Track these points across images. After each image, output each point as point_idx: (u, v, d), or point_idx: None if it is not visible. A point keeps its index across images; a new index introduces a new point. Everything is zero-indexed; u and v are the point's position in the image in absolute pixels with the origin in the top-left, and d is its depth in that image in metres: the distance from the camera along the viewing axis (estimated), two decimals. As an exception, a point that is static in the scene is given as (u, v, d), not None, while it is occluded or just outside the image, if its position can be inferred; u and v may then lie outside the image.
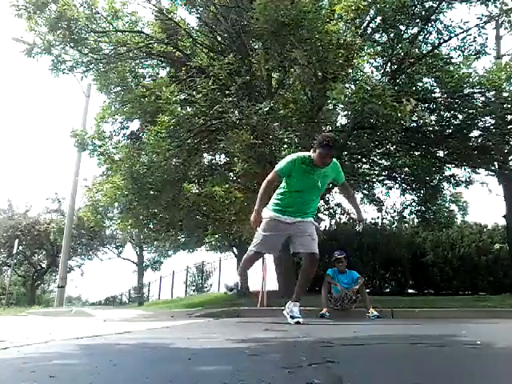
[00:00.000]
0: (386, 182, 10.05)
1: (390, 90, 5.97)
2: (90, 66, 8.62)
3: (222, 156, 10.23)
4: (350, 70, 7.63)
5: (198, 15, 9.13)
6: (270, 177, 3.80)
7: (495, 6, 7.07)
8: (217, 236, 12.82)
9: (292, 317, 3.65)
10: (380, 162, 9.64)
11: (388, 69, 7.86)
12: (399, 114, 6.05)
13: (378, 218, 11.73)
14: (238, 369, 1.30)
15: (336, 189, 10.27)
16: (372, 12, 7.26)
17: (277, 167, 3.76)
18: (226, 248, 15.55)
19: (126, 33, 8.64)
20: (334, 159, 3.83)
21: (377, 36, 8.10)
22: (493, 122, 7.42)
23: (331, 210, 11.20)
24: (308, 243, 3.69)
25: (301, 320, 3.61)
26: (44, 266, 28.14)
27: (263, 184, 3.81)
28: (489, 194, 9.12)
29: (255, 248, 3.82)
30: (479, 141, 7.78)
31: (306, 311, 5.51)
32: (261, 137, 6.79)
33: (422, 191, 9.36)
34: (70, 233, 13.81)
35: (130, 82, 9.01)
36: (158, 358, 1.64)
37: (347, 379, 1.13)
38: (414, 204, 9.70)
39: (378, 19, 7.58)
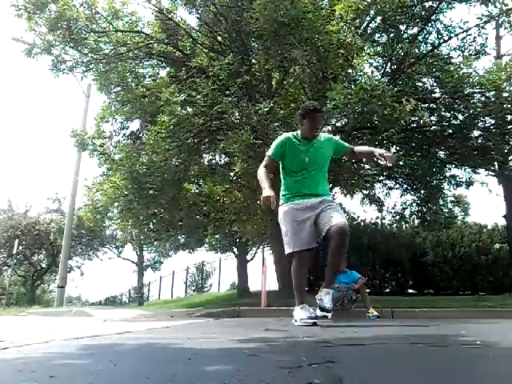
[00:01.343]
0: (386, 182, 10.06)
1: (389, 90, 5.97)
2: (90, 66, 8.62)
3: (222, 156, 10.23)
4: (350, 70, 7.63)
5: (198, 15, 9.13)
6: (263, 162, 3.57)
7: (495, 6, 7.07)
8: (217, 236, 12.84)
9: (321, 308, 3.18)
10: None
11: (388, 69, 7.87)
12: (399, 115, 6.05)
13: (378, 218, 11.75)
14: (238, 369, 1.30)
15: (336, 189, 10.29)
16: (372, 12, 7.26)
17: (268, 152, 3.56)
18: (226, 248, 15.56)
19: (126, 33, 8.64)
20: (328, 134, 3.71)
21: (377, 36, 8.11)
22: (493, 122, 7.42)
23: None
24: (328, 217, 3.23)
25: (329, 315, 3.17)
26: (44, 265, 28.15)
27: (259, 169, 3.54)
28: (489, 194, 9.14)
29: (292, 248, 3.34)
30: (479, 141, 7.78)
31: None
32: (261, 137, 6.79)
33: (423, 191, 9.36)
34: (69, 233, 13.81)
35: (130, 82, 9.01)
36: (158, 358, 1.64)
37: (347, 379, 1.13)
38: (414, 204, 9.70)
39: (378, 19, 7.59)
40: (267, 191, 3.30)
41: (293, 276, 3.43)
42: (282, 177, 3.58)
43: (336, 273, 3.60)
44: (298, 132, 3.52)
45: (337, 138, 3.81)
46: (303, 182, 3.41)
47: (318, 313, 3.20)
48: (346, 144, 3.79)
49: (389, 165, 3.49)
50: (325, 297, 3.20)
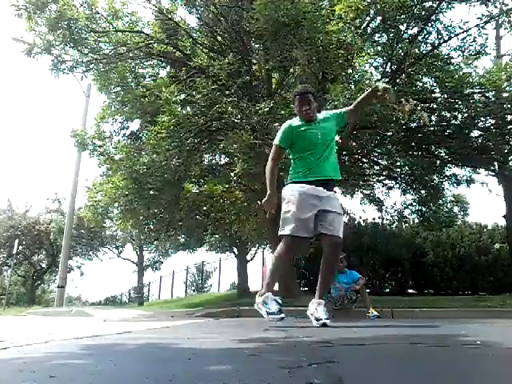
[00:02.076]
0: (386, 181, 10.06)
1: (389, 90, 5.97)
2: (90, 66, 8.62)
3: (222, 156, 10.23)
4: (350, 70, 7.63)
5: (198, 15, 9.13)
6: (272, 153, 3.44)
7: (495, 6, 7.07)
8: (217, 236, 12.84)
9: (316, 318, 3.01)
10: (380, 161, 9.64)
11: (388, 69, 7.86)
12: (399, 115, 6.04)
13: (378, 217, 11.75)
14: (237, 369, 1.30)
15: (336, 189, 10.28)
16: (372, 12, 7.26)
17: (276, 140, 3.43)
18: (226, 248, 15.56)
19: (126, 33, 8.63)
20: (324, 112, 3.62)
21: (377, 36, 8.10)
22: (493, 122, 7.42)
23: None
24: (330, 222, 3.12)
25: (328, 322, 2.97)
26: (44, 265, 28.16)
27: (268, 164, 3.41)
28: (489, 194, 9.13)
29: (290, 231, 3.12)
30: (479, 141, 7.78)
31: (306, 311, 5.53)
32: (261, 137, 6.79)
33: (423, 191, 9.37)
34: (70, 233, 13.81)
35: (130, 82, 9.01)
36: (158, 357, 1.64)
37: (347, 379, 1.13)
38: (414, 204, 9.71)
39: (378, 19, 7.58)
40: (269, 195, 3.28)
41: (275, 259, 3.28)
42: (292, 161, 3.42)
43: (329, 285, 3.52)
44: (298, 117, 3.45)
45: (332, 110, 3.66)
46: (311, 161, 3.24)
47: (314, 323, 3.03)
48: (344, 109, 3.64)
49: (393, 101, 3.38)
50: (317, 308, 3.06)
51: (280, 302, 3.19)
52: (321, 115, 3.51)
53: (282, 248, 3.21)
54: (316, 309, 3.06)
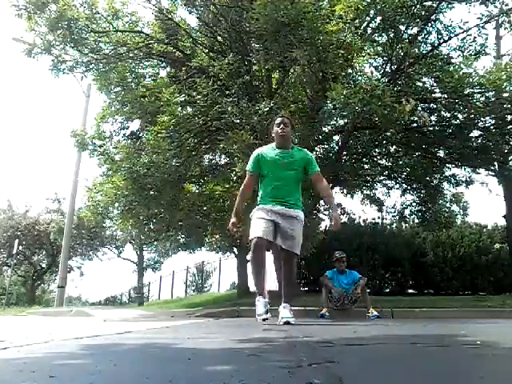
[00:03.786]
0: (386, 182, 10.06)
1: (389, 90, 5.97)
2: (90, 66, 8.62)
3: (222, 156, 10.22)
4: (350, 70, 7.63)
5: (198, 15, 9.12)
6: (245, 180, 3.91)
7: (495, 6, 7.07)
8: (217, 236, 12.82)
9: (283, 319, 3.38)
10: (380, 162, 9.64)
11: (388, 69, 7.86)
12: (399, 115, 6.05)
13: (378, 217, 11.75)
14: (237, 369, 1.30)
15: (336, 189, 10.28)
16: (372, 12, 7.26)
17: (247, 166, 3.88)
18: (226, 248, 15.54)
19: (126, 33, 8.63)
20: (307, 151, 3.87)
21: (377, 36, 8.10)
22: (493, 122, 7.42)
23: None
24: (288, 241, 3.57)
25: (291, 320, 3.36)
26: (44, 265, 28.15)
27: (240, 190, 3.92)
28: (489, 194, 9.14)
29: (253, 235, 3.57)
30: (479, 141, 7.77)
31: (306, 311, 5.53)
32: (261, 137, 6.79)
33: (423, 191, 9.36)
34: (69, 233, 13.81)
35: (130, 82, 9.01)
36: (158, 357, 1.64)
37: (347, 379, 1.13)
38: (414, 204, 9.70)
39: (378, 19, 7.58)
40: (232, 219, 3.83)
41: (251, 263, 3.68)
42: (260, 185, 3.86)
43: (292, 288, 3.92)
44: (273, 144, 3.83)
45: (313, 158, 3.90)
46: (275, 190, 3.66)
47: (282, 321, 3.37)
48: (317, 168, 3.84)
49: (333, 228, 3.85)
50: (285, 310, 3.46)
51: (267, 304, 3.53)
52: (300, 150, 3.83)
53: (252, 251, 3.59)
54: (282, 310, 3.48)
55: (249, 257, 3.75)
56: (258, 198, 3.80)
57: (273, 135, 3.84)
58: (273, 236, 3.59)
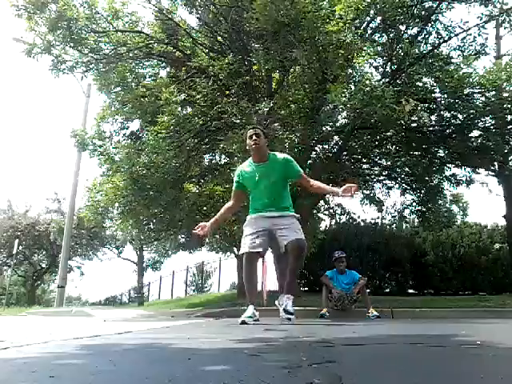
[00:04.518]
0: (386, 182, 10.06)
1: (389, 91, 5.97)
2: (90, 66, 8.61)
3: (222, 156, 10.22)
4: (350, 70, 7.63)
5: (198, 15, 9.13)
6: (231, 197, 4.03)
7: (495, 6, 7.07)
8: (217, 236, 12.82)
9: (285, 311, 3.47)
10: (380, 162, 9.64)
11: (388, 69, 7.86)
12: (399, 115, 6.05)
13: (378, 218, 11.74)
14: (237, 369, 1.30)
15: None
16: (372, 12, 7.26)
17: (233, 186, 4.00)
18: (226, 248, 15.55)
19: (126, 33, 8.63)
20: (284, 155, 3.86)
21: (377, 36, 8.11)
22: (493, 122, 7.42)
23: (331, 210, 11.20)
24: (288, 233, 3.59)
25: (292, 317, 3.43)
26: (44, 265, 28.14)
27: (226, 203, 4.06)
28: (489, 194, 9.13)
29: (243, 249, 3.72)
30: (479, 141, 7.78)
31: (306, 311, 5.53)
32: (261, 137, 6.77)
33: (422, 191, 9.36)
34: (69, 233, 13.81)
35: (130, 82, 9.01)
36: (158, 358, 1.64)
37: (347, 379, 1.12)
38: (414, 204, 9.70)
39: (378, 19, 7.59)
40: (208, 223, 3.87)
41: (243, 274, 3.79)
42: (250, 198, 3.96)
43: (294, 280, 3.90)
44: (251, 158, 3.88)
45: (293, 162, 3.85)
46: (261, 199, 3.75)
47: (283, 315, 3.48)
48: (299, 173, 3.82)
49: (349, 196, 3.84)
50: (288, 301, 3.51)
51: (255, 315, 3.57)
52: (280, 156, 3.82)
53: (244, 264, 3.73)
54: (288, 302, 3.51)
55: (243, 268, 3.80)
56: (250, 209, 3.89)
57: (248, 148, 3.85)
58: (265, 244, 3.69)
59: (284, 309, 3.48)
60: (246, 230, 3.78)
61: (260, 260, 3.90)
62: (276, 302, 3.73)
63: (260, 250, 3.65)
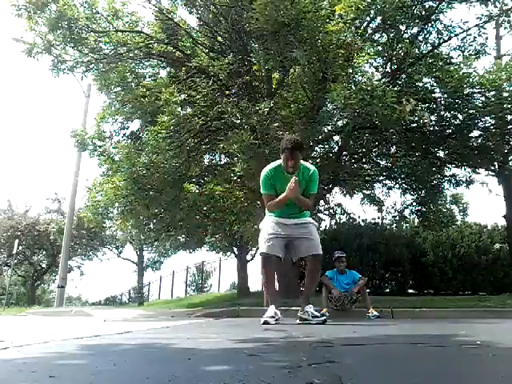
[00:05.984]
0: (386, 182, 10.06)
1: (390, 91, 5.97)
2: (90, 66, 8.60)
3: (222, 156, 10.23)
4: (350, 70, 7.63)
5: (198, 15, 9.12)
6: (265, 203, 3.94)
7: (495, 6, 7.06)
8: (217, 236, 12.83)
9: (314, 316, 3.66)
10: (380, 162, 9.64)
11: (388, 69, 7.86)
12: (399, 115, 6.04)
13: (378, 218, 11.74)
14: (237, 369, 1.30)
15: (336, 189, 10.28)
16: (372, 12, 7.25)
17: (262, 190, 3.92)
18: (226, 248, 15.56)
19: (126, 33, 8.62)
20: (312, 167, 3.88)
21: (377, 36, 8.10)
22: (493, 122, 7.41)
23: (331, 210, 11.21)
24: (308, 246, 3.73)
25: (322, 319, 3.62)
26: (44, 266, 28.14)
27: (269, 205, 3.90)
28: (489, 194, 9.13)
29: (263, 250, 3.76)
30: (479, 141, 7.77)
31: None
32: (261, 137, 6.79)
33: (423, 191, 9.36)
34: (70, 233, 13.81)
35: (130, 82, 9.00)
36: (158, 358, 1.64)
37: (347, 379, 1.12)
38: (414, 204, 9.70)
39: (378, 19, 7.58)
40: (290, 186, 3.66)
41: (262, 276, 3.88)
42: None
43: (312, 291, 4.06)
44: (281, 164, 3.78)
45: (317, 180, 3.91)
46: (286, 207, 3.78)
47: (312, 321, 3.61)
48: (314, 192, 3.92)
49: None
50: (310, 309, 3.70)
51: (277, 314, 3.66)
52: (306, 166, 3.85)
53: (261, 267, 3.81)
54: (309, 310, 3.71)
55: (261, 270, 3.84)
56: (268, 213, 3.92)
57: (281, 156, 3.77)
58: (282, 250, 3.76)
59: (312, 316, 3.65)
60: (265, 230, 3.81)
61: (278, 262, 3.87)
62: (299, 314, 3.80)
63: (280, 255, 3.76)
